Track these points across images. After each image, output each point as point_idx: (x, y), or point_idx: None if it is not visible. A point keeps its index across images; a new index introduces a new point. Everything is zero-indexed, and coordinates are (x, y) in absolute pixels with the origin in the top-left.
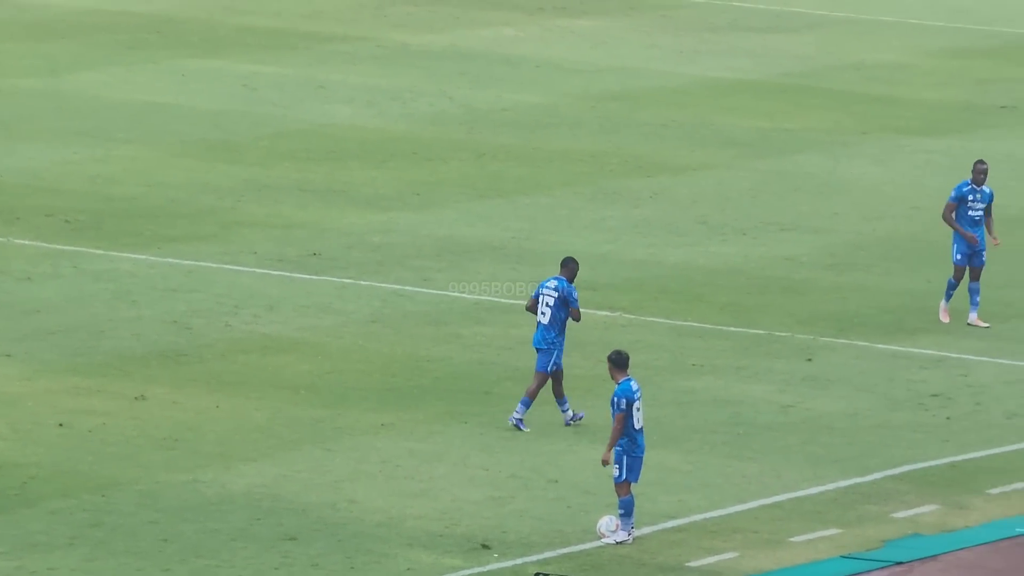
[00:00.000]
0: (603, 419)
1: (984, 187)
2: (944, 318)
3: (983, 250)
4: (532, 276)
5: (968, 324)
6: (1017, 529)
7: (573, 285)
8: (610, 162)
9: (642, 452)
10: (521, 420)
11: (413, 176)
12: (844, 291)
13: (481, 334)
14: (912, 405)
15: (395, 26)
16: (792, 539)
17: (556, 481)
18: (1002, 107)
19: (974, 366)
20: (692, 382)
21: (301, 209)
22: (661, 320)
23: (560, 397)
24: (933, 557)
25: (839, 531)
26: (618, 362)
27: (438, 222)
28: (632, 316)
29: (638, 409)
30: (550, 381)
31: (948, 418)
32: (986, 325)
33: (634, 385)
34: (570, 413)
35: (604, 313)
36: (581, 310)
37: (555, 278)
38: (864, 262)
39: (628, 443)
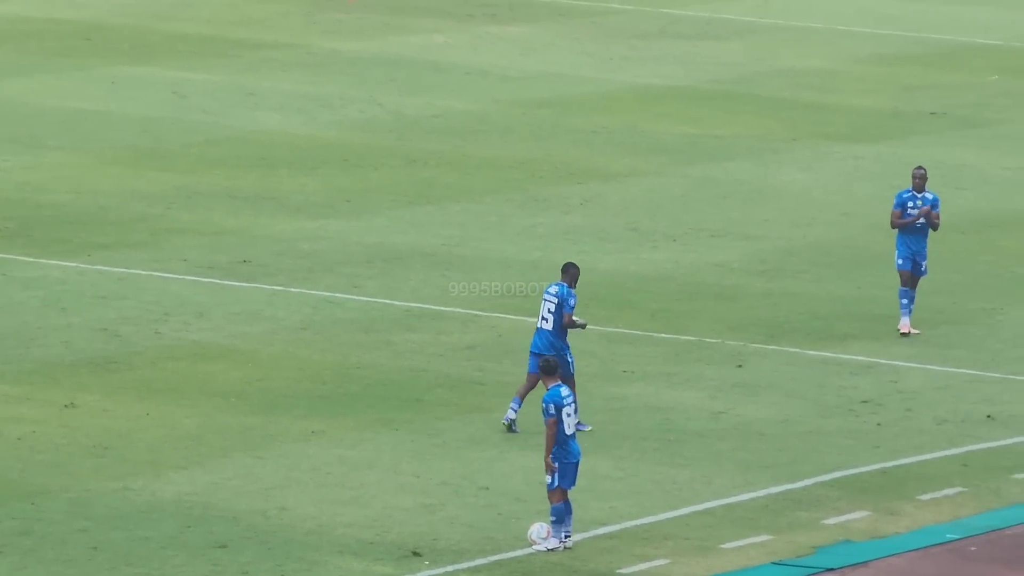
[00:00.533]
0: (533, 426)
1: (927, 192)
2: (902, 329)
3: (923, 259)
4: (463, 283)
5: (898, 329)
6: (947, 535)
7: (573, 291)
8: (540, 169)
9: (575, 458)
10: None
11: (343, 183)
12: (774, 297)
13: (412, 341)
14: (843, 411)
15: (325, 33)
16: (723, 546)
17: (487, 488)
18: (931, 113)
19: (904, 372)
20: (623, 389)
21: (231, 216)
22: (592, 327)
23: (520, 398)
24: (864, 563)
25: (770, 537)
26: (547, 369)
27: (368, 229)
28: None
29: (568, 415)
30: (527, 379)
31: (879, 424)
32: (916, 331)
33: (564, 391)
34: (514, 416)
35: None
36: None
37: (556, 284)
38: (794, 268)
39: (559, 450)
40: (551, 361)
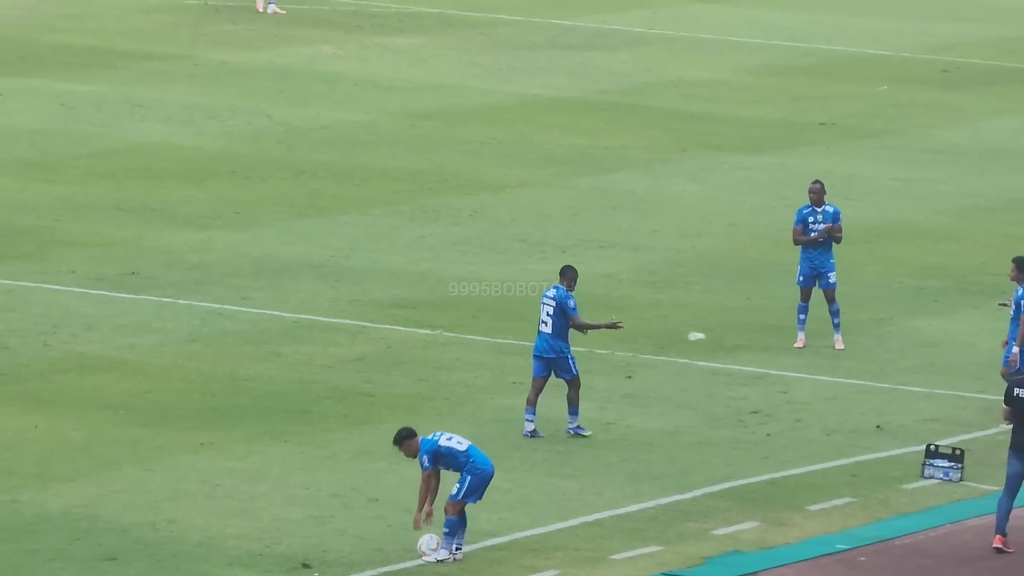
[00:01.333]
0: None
1: (826, 206)
2: (798, 344)
3: (829, 271)
4: (351, 295)
5: (836, 348)
6: (837, 545)
7: (572, 294)
8: (429, 180)
9: (488, 471)
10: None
11: (231, 194)
12: (664, 308)
13: (300, 352)
14: (732, 422)
15: (212, 44)
16: (613, 557)
17: (376, 500)
18: (820, 124)
19: (793, 383)
20: (512, 400)
21: (119, 228)
22: (481, 338)
23: (573, 406)
24: (753, 574)
25: (660, 548)
26: (409, 434)
27: (257, 240)
28: (452, 334)
29: (448, 438)
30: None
31: (768, 435)
32: (841, 347)
33: (431, 436)
34: (576, 424)
35: (424, 332)
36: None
37: (554, 287)
38: (683, 279)
39: (472, 465)
40: (401, 431)
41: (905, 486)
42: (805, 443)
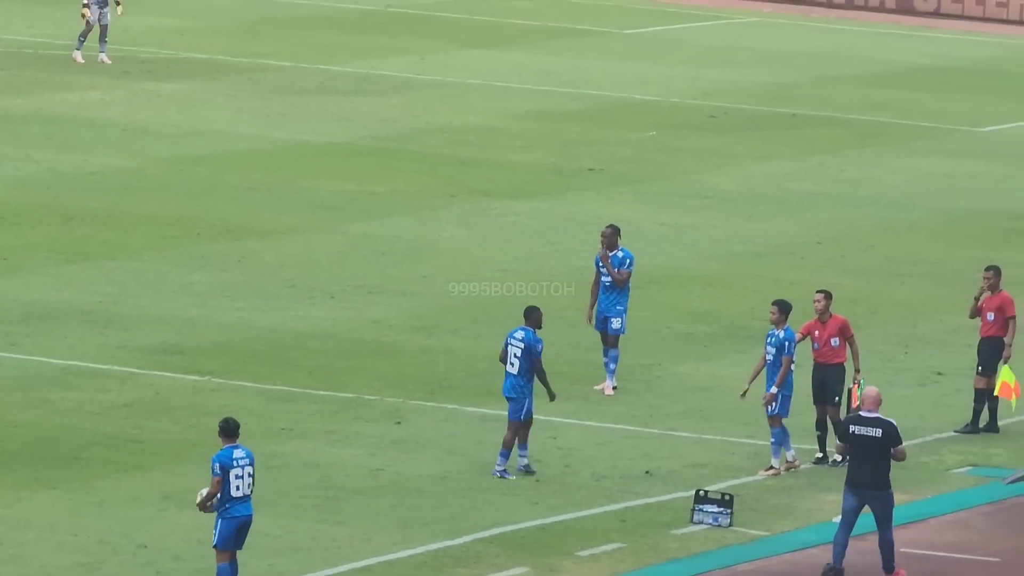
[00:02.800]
0: (195, 484)
1: (619, 251)
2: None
3: (612, 317)
4: (120, 341)
5: (605, 394)
6: None
7: (539, 336)
8: (198, 226)
9: (238, 521)
10: (505, 471)
11: None
12: (433, 354)
13: (69, 399)
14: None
15: None
16: None
17: (145, 546)
18: (589, 169)
19: (563, 428)
20: (281, 446)
21: None
22: (250, 384)
23: (523, 443)
24: None
25: None
26: (225, 430)
27: (24, 287)
28: (221, 380)
29: (238, 477)
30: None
31: (537, 480)
32: (610, 393)
33: (237, 452)
34: (525, 462)
35: (193, 378)
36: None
37: (521, 328)
38: (452, 325)
39: (224, 509)
40: (229, 421)
41: (675, 531)
42: (575, 488)
